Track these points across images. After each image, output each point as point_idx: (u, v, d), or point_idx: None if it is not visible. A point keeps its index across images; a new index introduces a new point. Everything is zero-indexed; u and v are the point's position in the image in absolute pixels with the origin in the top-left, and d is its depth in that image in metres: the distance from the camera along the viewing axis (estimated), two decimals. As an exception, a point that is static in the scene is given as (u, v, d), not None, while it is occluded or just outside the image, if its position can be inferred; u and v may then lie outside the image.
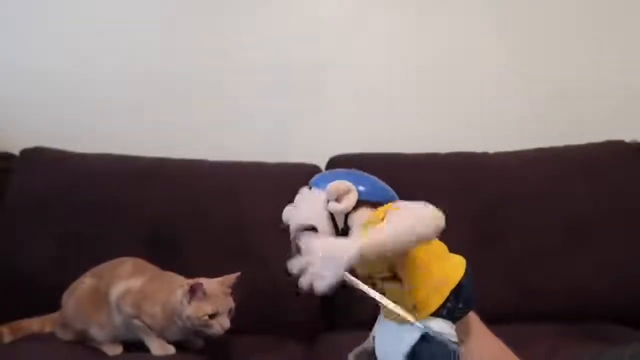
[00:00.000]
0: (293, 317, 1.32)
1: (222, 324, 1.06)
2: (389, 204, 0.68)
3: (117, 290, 1.15)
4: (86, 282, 1.18)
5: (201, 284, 1.05)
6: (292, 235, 0.71)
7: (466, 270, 0.63)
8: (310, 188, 0.72)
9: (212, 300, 1.06)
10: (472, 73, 1.69)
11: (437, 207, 0.62)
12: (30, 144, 1.47)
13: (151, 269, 1.20)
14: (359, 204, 0.68)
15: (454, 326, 0.62)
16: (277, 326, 1.32)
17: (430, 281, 0.63)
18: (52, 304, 1.23)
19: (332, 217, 0.68)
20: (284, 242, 0.75)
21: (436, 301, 0.63)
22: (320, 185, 0.70)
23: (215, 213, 1.36)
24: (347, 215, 0.68)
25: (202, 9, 1.65)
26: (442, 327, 0.61)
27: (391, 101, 1.68)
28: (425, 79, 1.68)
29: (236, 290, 1.10)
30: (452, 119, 1.68)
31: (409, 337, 0.61)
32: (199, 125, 1.66)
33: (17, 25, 1.64)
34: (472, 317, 0.67)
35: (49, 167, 1.43)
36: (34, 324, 1.24)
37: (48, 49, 1.64)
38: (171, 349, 1.14)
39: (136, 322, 1.13)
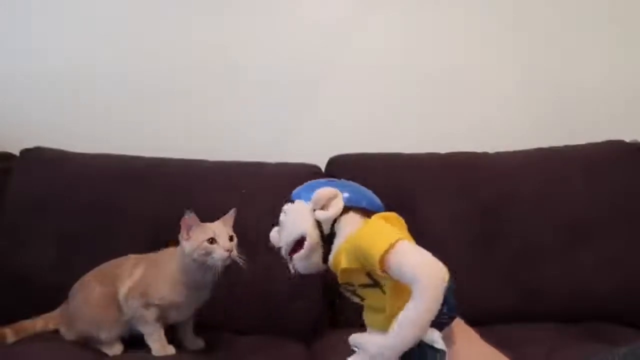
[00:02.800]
0: (293, 317, 1.32)
1: (224, 245, 1.07)
2: (382, 213, 0.67)
3: (124, 289, 1.16)
4: (96, 290, 1.18)
5: (190, 213, 1.08)
6: (284, 254, 0.71)
7: (450, 275, 0.61)
8: (293, 201, 0.71)
9: (208, 228, 1.09)
10: (472, 73, 1.69)
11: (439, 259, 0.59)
12: (30, 144, 1.47)
13: (147, 256, 1.20)
14: (346, 209, 0.67)
15: (441, 334, 0.60)
16: (277, 326, 1.32)
17: None
18: (52, 304, 1.23)
19: (318, 224, 0.67)
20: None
21: None
22: (303, 196, 0.70)
23: (215, 213, 1.36)
24: (334, 221, 0.67)
25: (203, 9, 1.65)
26: (429, 334, 0.59)
27: (391, 101, 1.68)
28: (425, 79, 1.68)
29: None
30: (453, 119, 1.68)
31: None
32: (199, 125, 1.66)
33: (17, 26, 1.64)
34: (460, 324, 0.65)
35: (49, 167, 1.43)
36: (37, 324, 1.23)
37: (48, 49, 1.64)
38: (171, 350, 1.14)
39: (146, 312, 1.13)
